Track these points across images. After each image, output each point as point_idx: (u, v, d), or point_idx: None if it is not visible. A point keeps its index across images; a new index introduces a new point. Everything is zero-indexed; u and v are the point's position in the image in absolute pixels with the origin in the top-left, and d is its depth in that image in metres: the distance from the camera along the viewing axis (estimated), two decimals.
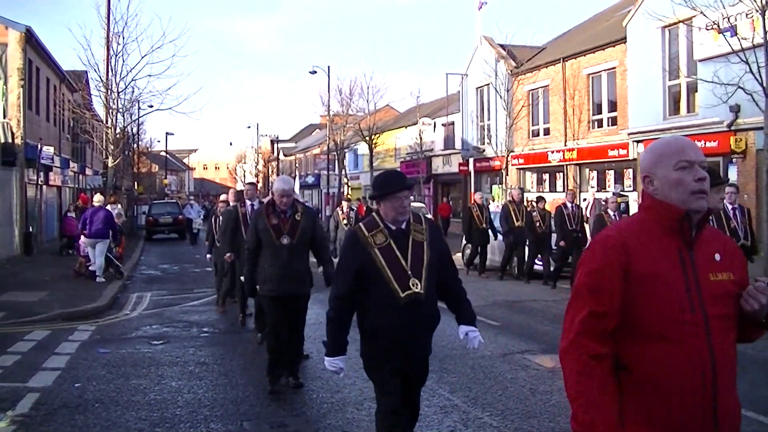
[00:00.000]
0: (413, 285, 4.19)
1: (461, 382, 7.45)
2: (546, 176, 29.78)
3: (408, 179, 4.57)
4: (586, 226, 16.31)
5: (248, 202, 10.25)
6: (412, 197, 5.77)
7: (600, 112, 26.14)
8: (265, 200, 8.58)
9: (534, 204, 16.43)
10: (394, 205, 4.27)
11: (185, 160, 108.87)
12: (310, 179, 61.47)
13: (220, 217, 12.28)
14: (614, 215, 13.30)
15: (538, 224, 15.69)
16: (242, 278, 8.31)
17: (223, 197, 14.17)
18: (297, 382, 7.22)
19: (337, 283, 4.40)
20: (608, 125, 25.48)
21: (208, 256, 13.31)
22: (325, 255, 7.54)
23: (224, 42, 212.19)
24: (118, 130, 25.20)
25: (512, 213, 16.54)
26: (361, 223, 4.44)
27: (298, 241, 7.01)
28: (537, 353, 8.93)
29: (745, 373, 7.76)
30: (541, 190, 30.14)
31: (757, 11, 15.14)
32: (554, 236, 15.77)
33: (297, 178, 54.70)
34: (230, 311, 12.17)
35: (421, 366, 4.48)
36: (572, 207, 15.29)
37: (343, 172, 45.31)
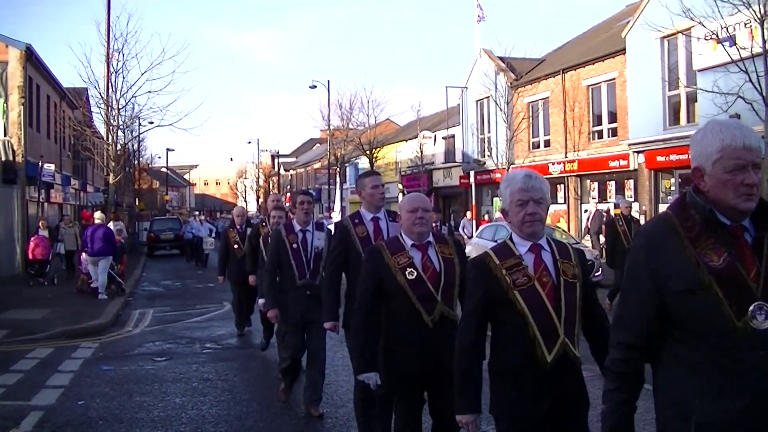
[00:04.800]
0: None
1: None
2: None
3: None
4: None
5: (365, 216, 5.40)
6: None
7: (600, 124, 26.19)
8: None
9: None
10: None
11: (186, 176, 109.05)
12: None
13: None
14: None
15: None
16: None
17: (275, 213, 8.90)
18: None
19: None
20: (608, 136, 25.53)
21: (221, 278, 11.65)
22: None
23: (224, 57, 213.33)
24: (118, 147, 25.27)
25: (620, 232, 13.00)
26: None
27: None
28: None
29: None
30: None
31: (756, 21, 15.20)
32: None
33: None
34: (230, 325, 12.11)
35: None
36: None
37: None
